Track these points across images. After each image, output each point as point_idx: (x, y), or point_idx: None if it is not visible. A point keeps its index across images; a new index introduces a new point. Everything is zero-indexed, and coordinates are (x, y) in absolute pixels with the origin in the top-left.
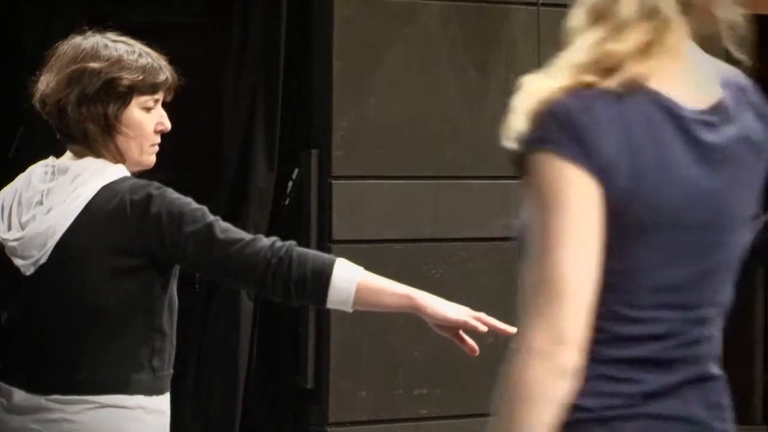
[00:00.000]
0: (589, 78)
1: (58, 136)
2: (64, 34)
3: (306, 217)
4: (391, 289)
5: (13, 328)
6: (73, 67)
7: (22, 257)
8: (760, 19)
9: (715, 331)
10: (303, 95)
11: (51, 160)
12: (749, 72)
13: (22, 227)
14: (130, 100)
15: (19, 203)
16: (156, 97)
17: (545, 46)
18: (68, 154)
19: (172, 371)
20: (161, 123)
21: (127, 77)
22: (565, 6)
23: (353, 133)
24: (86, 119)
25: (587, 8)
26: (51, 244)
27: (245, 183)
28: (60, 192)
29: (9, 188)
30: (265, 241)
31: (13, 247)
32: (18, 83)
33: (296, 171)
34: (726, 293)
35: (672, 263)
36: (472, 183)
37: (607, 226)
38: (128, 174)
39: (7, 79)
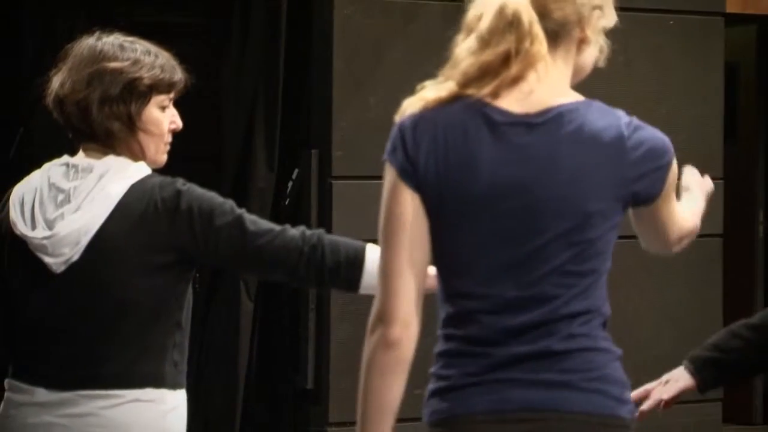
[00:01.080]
0: (459, 89)
1: (70, 135)
2: (65, 35)
3: (306, 217)
4: None
5: (35, 325)
6: (93, 68)
7: (53, 255)
8: (760, 19)
9: (563, 310)
10: (303, 95)
11: (66, 158)
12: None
13: (49, 226)
14: (150, 99)
15: (41, 202)
16: (171, 96)
17: None
18: (83, 152)
19: (186, 367)
20: (174, 122)
21: (148, 77)
22: None
23: (353, 133)
24: (110, 118)
25: (464, 24)
26: (84, 242)
27: (245, 183)
28: (87, 190)
29: (25, 186)
30: (294, 230)
31: (42, 245)
32: (18, 83)
33: (296, 171)
34: (570, 278)
35: (498, 245)
36: None
37: (432, 219)
38: (151, 171)
39: (7, 79)
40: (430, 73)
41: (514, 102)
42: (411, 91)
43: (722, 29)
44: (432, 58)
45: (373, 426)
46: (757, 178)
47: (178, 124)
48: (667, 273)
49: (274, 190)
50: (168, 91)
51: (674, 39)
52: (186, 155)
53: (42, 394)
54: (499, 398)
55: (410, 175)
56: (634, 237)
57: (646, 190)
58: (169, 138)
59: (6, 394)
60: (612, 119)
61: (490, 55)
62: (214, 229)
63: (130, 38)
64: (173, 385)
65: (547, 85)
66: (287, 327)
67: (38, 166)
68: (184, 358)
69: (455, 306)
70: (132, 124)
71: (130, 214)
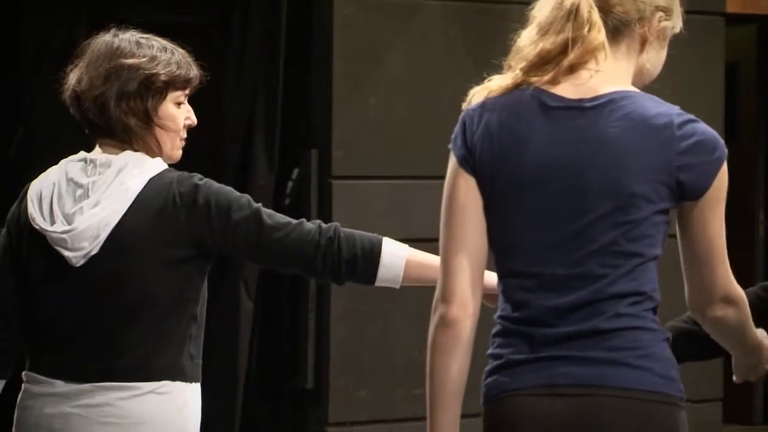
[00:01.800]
0: (523, 76)
1: (87, 130)
2: (65, 35)
3: (306, 217)
4: (438, 264)
5: (53, 318)
6: (110, 64)
7: (72, 249)
8: (760, 19)
9: (609, 289)
10: (303, 95)
11: (83, 154)
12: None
13: (68, 220)
14: (166, 95)
15: (60, 196)
16: (186, 92)
17: None
18: (100, 148)
19: (201, 360)
20: (189, 118)
21: (164, 73)
22: None
23: (353, 133)
24: (128, 114)
25: (530, 16)
26: (104, 235)
27: (245, 183)
28: (105, 185)
29: (43, 181)
30: (310, 224)
31: (61, 239)
32: (18, 83)
33: (296, 171)
34: (616, 258)
35: (546, 224)
36: None
37: (486, 200)
38: (167, 166)
39: (7, 79)
40: (430, 73)
41: (570, 88)
42: (411, 91)
43: (722, 29)
44: (432, 58)
45: (438, 406)
46: (757, 178)
47: (193, 120)
48: (668, 273)
49: (274, 190)
50: (184, 87)
51: (674, 39)
52: (186, 155)
53: (60, 385)
54: (548, 374)
55: (468, 162)
56: None
57: (692, 181)
58: (184, 134)
59: (24, 386)
60: (665, 109)
61: (549, 43)
62: (231, 223)
63: (146, 35)
64: (190, 378)
65: (604, 75)
66: (287, 327)
67: (38, 166)
68: (199, 351)
69: (508, 286)
70: (149, 120)
71: (149, 208)
